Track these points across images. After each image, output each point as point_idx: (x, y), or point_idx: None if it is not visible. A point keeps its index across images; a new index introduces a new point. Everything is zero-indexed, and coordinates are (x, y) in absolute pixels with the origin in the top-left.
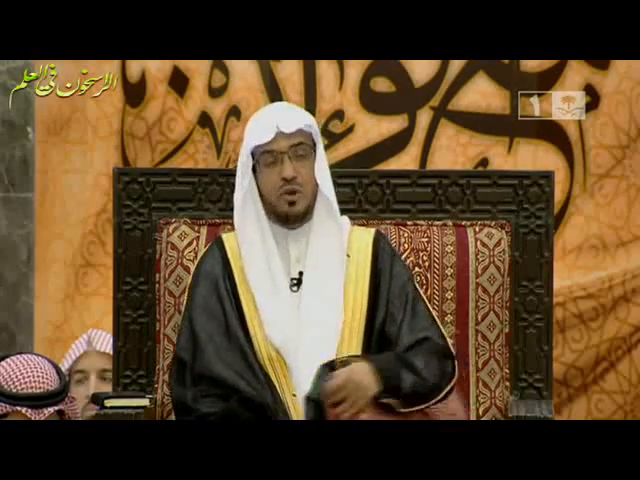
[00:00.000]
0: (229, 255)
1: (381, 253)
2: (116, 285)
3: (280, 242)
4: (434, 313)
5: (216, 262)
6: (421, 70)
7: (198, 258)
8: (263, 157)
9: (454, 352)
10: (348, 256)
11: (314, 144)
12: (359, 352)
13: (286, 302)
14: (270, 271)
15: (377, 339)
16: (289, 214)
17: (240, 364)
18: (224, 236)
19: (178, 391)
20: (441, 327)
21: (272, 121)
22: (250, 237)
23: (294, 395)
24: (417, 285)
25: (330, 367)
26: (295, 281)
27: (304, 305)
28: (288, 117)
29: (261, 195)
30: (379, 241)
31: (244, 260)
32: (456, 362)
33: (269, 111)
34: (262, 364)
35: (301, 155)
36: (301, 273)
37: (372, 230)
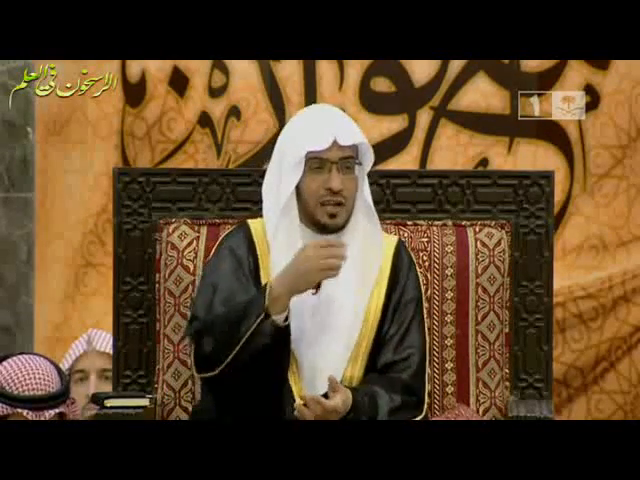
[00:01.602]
0: (255, 239)
1: (400, 265)
2: (116, 285)
3: None
4: (427, 339)
5: (242, 243)
6: (421, 70)
7: (221, 237)
8: (310, 161)
9: (424, 388)
10: None
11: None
12: (366, 358)
13: (304, 303)
14: None
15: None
16: (329, 226)
17: None
18: (250, 222)
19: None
20: (426, 354)
21: (330, 131)
22: (279, 235)
23: (301, 398)
24: (423, 306)
25: None
26: (315, 283)
27: (321, 308)
28: (347, 130)
29: (299, 197)
30: (400, 252)
31: (272, 256)
32: (424, 398)
33: (325, 118)
34: None
35: (348, 167)
36: None
37: (395, 238)
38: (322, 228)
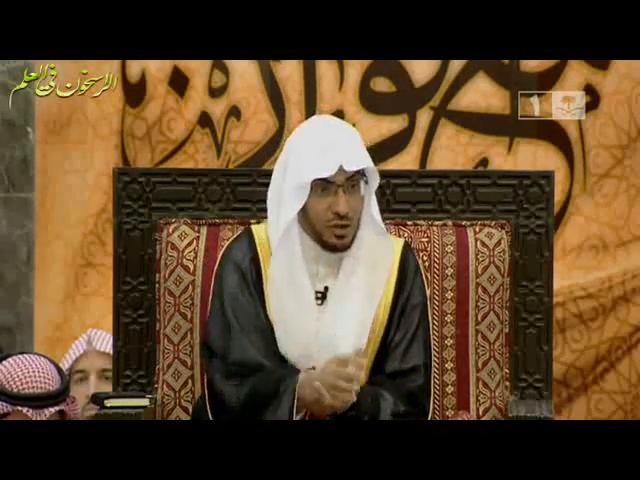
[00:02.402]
0: (258, 248)
1: (407, 269)
2: (116, 285)
3: (311, 257)
4: (432, 343)
5: (246, 254)
6: (421, 70)
7: (225, 246)
8: (315, 184)
9: (430, 400)
10: None
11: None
12: (371, 363)
13: (309, 316)
14: (295, 285)
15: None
16: (337, 246)
17: (275, 354)
18: (254, 228)
19: (227, 390)
20: (432, 361)
21: (336, 157)
22: (282, 248)
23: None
24: (428, 311)
25: None
26: (320, 294)
27: (325, 320)
28: (353, 155)
29: (304, 214)
30: (407, 256)
31: (271, 270)
32: (429, 410)
33: (331, 142)
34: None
35: (353, 186)
36: (326, 288)
37: (401, 241)
38: (331, 248)
